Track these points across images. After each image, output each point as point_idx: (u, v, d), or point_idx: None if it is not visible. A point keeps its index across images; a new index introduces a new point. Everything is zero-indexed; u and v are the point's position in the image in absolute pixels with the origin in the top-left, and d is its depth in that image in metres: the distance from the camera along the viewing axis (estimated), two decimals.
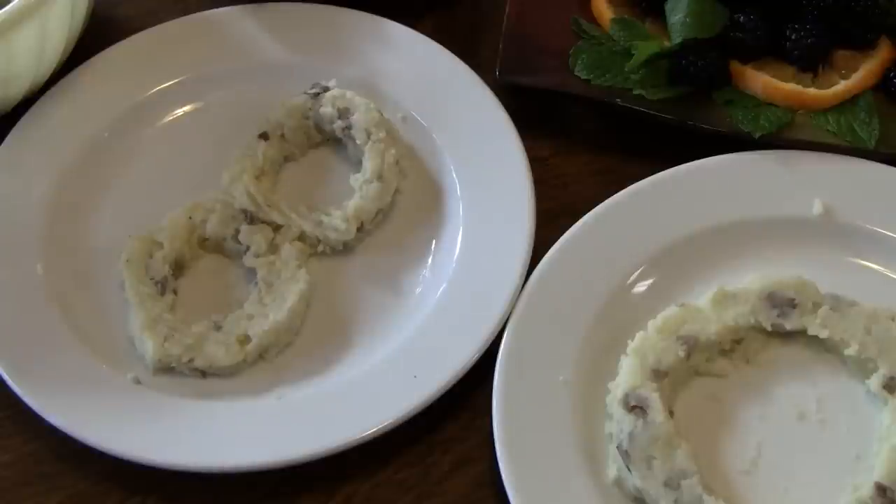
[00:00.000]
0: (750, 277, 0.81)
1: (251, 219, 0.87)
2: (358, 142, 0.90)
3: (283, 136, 0.92)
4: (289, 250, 0.86)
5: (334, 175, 0.93)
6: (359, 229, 0.88)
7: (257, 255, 0.86)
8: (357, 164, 0.91)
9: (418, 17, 1.01)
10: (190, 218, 0.87)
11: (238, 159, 0.90)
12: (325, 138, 0.94)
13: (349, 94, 0.92)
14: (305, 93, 0.93)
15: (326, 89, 0.93)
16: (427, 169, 0.92)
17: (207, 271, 0.88)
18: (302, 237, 0.88)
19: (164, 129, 0.96)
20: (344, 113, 0.91)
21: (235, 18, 1.00)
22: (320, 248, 0.88)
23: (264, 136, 0.92)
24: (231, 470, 0.76)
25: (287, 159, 0.93)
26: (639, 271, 0.83)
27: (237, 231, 0.87)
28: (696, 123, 0.89)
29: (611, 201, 0.86)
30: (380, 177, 0.88)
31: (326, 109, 0.92)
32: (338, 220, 0.87)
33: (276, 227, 0.87)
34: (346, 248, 0.88)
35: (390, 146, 0.90)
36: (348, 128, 0.91)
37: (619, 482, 0.74)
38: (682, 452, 0.72)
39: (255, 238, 0.86)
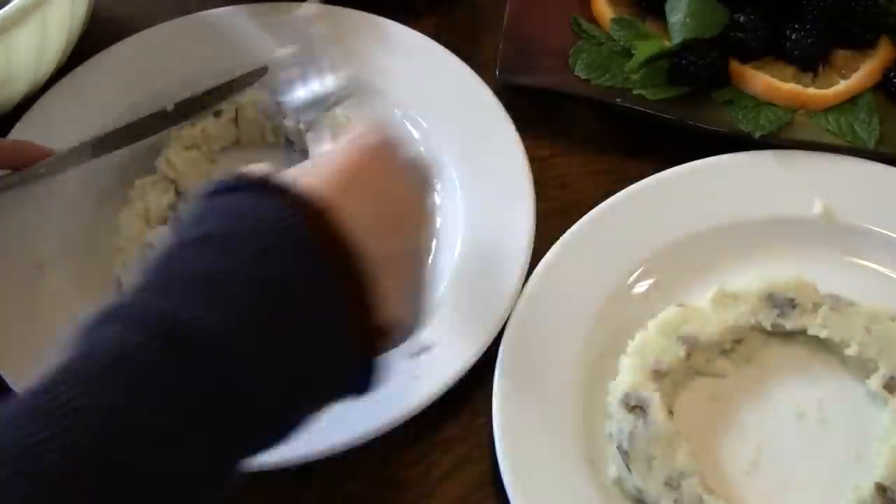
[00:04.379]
0: (750, 277, 0.81)
1: (177, 191, 0.87)
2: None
3: (234, 120, 0.92)
4: None
5: None
6: None
7: None
8: None
9: (418, 17, 1.01)
10: None
11: (175, 131, 0.90)
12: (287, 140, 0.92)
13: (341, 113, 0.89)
14: (275, 99, 0.88)
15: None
16: None
17: None
18: None
19: None
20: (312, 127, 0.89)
21: (235, 18, 1.00)
22: None
23: (217, 113, 0.91)
24: None
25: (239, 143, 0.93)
26: (639, 271, 0.83)
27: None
28: (696, 123, 0.89)
29: (611, 201, 0.86)
30: None
31: (290, 123, 0.89)
32: None
33: None
34: None
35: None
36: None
37: (619, 482, 0.74)
38: (682, 452, 0.72)
39: None
